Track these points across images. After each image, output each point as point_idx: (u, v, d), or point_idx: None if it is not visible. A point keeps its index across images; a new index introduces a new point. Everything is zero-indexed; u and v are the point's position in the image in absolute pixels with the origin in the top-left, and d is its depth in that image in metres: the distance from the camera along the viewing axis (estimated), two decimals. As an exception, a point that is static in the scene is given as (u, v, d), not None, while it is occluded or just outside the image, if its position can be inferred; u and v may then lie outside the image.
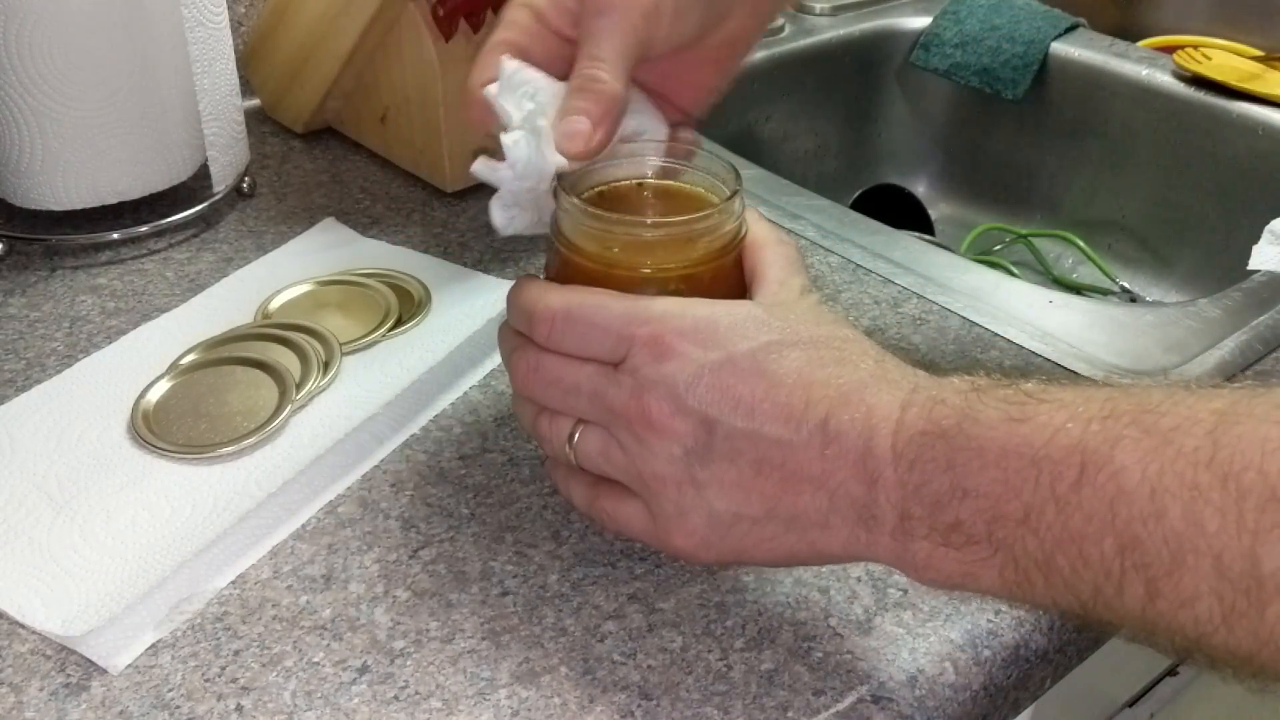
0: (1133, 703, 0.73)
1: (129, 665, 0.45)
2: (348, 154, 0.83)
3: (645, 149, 0.50)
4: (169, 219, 0.73)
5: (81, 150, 0.69)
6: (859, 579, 0.49)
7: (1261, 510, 0.32)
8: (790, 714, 0.44)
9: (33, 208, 0.71)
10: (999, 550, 0.37)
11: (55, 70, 0.67)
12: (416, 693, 0.44)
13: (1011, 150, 1.10)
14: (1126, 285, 1.02)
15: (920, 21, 1.11)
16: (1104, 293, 1.02)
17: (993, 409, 0.38)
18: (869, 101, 1.14)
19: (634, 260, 0.46)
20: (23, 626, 0.47)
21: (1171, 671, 0.74)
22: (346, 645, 0.46)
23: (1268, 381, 0.36)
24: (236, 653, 0.46)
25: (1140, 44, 1.07)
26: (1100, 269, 1.03)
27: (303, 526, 0.52)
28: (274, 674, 0.45)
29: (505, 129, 0.47)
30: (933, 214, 1.11)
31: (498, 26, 0.49)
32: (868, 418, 0.40)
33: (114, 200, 0.72)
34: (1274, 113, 0.93)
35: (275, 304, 0.66)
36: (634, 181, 0.50)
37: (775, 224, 0.50)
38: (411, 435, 0.57)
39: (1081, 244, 1.04)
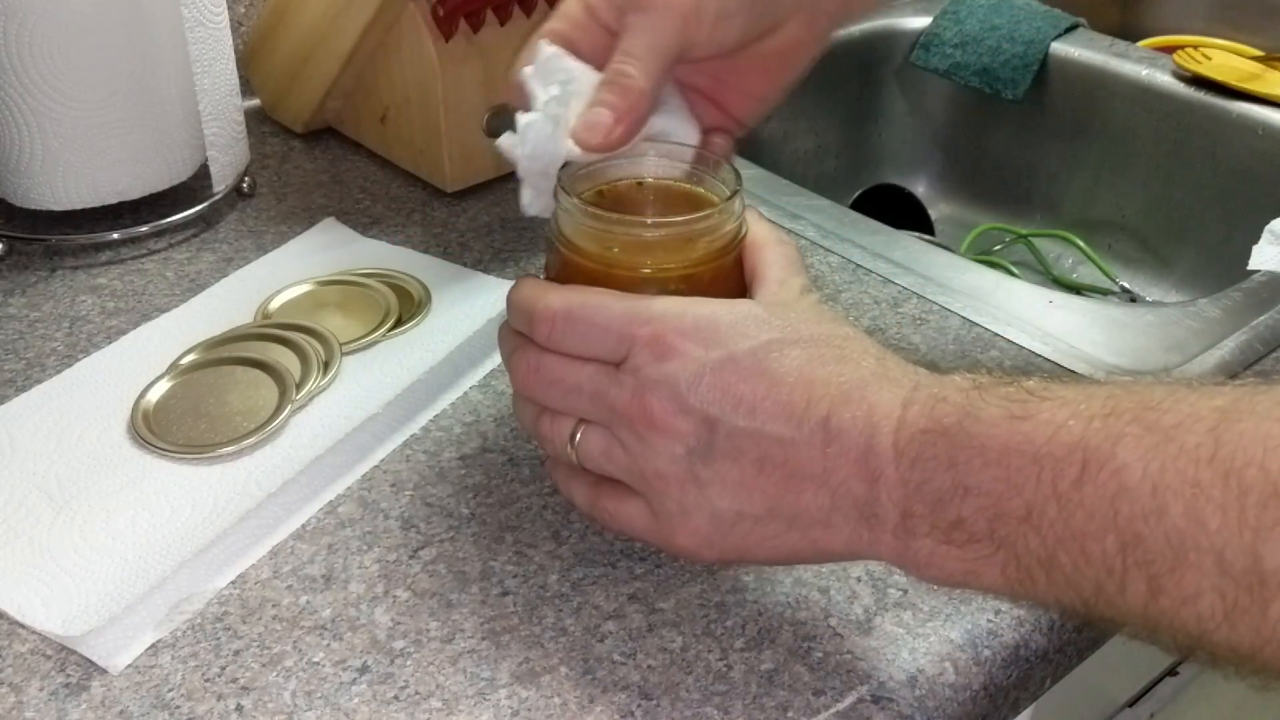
0: (1133, 703, 0.73)
1: (129, 665, 0.45)
2: (348, 154, 0.83)
3: (646, 149, 0.50)
4: (169, 219, 0.73)
5: (81, 150, 0.69)
6: (859, 579, 0.49)
7: (1263, 507, 0.32)
8: (790, 714, 0.44)
9: (33, 208, 0.71)
10: (1001, 548, 0.37)
11: (55, 70, 0.67)
12: (416, 693, 0.44)
13: (1011, 150, 1.10)
14: (1126, 285, 1.02)
15: (920, 21, 1.11)
16: (1104, 293, 1.02)
17: (994, 407, 0.38)
18: (869, 101, 1.14)
19: (634, 260, 0.46)
20: (23, 626, 0.47)
21: (1171, 671, 0.74)
22: (346, 645, 0.46)
23: (1269, 380, 0.36)
24: (236, 653, 0.46)
25: (1140, 44, 1.07)
26: (1100, 269, 1.03)
27: (303, 526, 0.52)
28: (274, 674, 0.45)
29: (530, 110, 0.48)
30: (933, 214, 1.11)
31: (551, 16, 0.50)
32: (869, 416, 0.40)
33: (114, 200, 0.72)
34: (1274, 113, 0.93)
35: (275, 304, 0.66)
36: (634, 181, 0.50)
37: (775, 224, 0.50)
38: (411, 435, 0.57)
39: (1081, 244, 1.04)
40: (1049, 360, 0.64)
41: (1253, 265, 0.75)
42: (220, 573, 0.49)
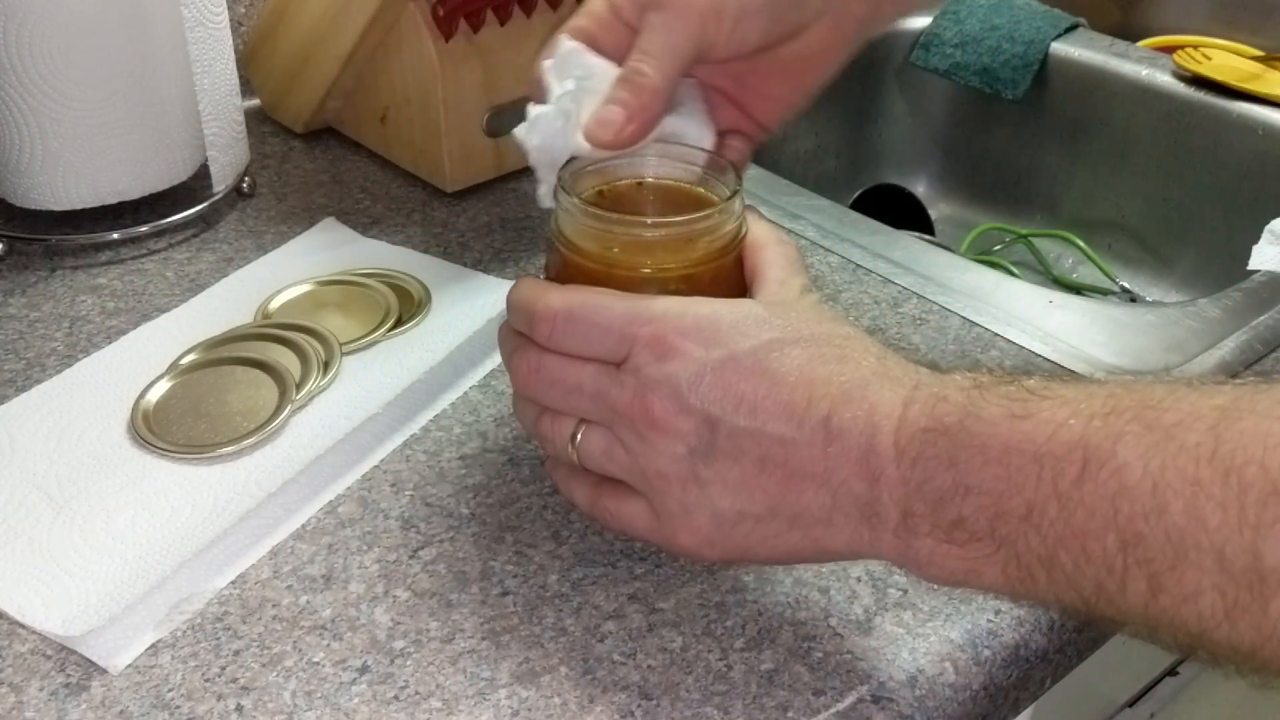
0: (1133, 703, 0.73)
1: (129, 665, 0.45)
2: (348, 154, 0.83)
3: (646, 148, 0.50)
4: (169, 219, 0.73)
5: (81, 150, 0.69)
6: (859, 579, 0.49)
7: (1263, 505, 0.32)
8: (790, 714, 0.44)
9: (33, 208, 0.71)
10: (1001, 547, 0.37)
11: (55, 70, 0.67)
12: (416, 693, 0.44)
13: (1011, 150, 1.10)
14: (1126, 285, 1.02)
15: (920, 21, 1.11)
16: (1104, 293, 1.02)
17: (995, 405, 0.38)
18: (869, 101, 1.14)
19: (634, 260, 0.46)
20: (23, 626, 0.47)
21: (1171, 671, 0.74)
22: (346, 645, 0.46)
23: (1269, 379, 0.36)
24: (236, 653, 0.46)
25: (1140, 44, 1.07)
26: (1100, 269, 1.03)
27: (303, 526, 0.52)
28: (274, 674, 0.45)
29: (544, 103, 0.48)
30: (933, 214, 1.11)
31: (577, 13, 0.50)
32: (870, 415, 0.40)
33: (114, 200, 0.72)
34: (1274, 113, 0.93)
35: (275, 304, 0.66)
36: (634, 181, 0.50)
37: (775, 224, 0.50)
38: (411, 435, 0.57)
39: (1081, 244, 1.04)
40: (1049, 360, 0.64)
41: (1253, 265, 0.75)
42: (220, 573, 0.49)
